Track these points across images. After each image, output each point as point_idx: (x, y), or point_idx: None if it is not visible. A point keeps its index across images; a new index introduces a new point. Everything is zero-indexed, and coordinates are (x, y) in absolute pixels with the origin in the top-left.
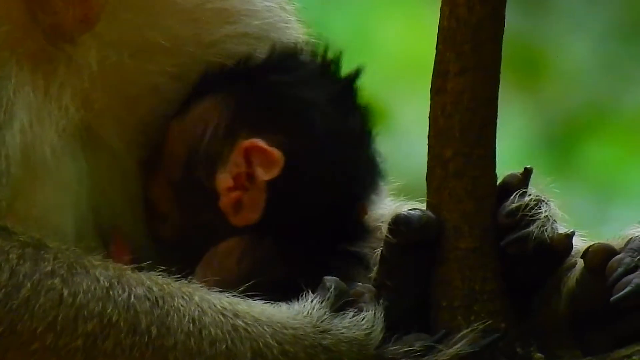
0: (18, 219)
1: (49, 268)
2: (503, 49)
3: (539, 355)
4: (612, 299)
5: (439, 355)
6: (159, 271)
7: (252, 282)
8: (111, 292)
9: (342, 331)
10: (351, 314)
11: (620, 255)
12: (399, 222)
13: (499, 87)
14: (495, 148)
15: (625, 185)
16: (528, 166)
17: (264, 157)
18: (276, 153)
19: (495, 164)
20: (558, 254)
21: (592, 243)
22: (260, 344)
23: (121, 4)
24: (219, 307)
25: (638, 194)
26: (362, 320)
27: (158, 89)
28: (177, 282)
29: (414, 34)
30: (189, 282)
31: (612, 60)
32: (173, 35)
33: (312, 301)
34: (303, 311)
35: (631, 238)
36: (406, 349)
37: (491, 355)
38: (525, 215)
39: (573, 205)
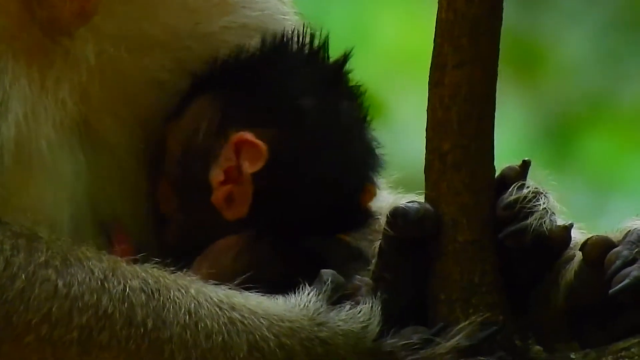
0: (11, 211)
1: (43, 259)
2: (501, 42)
3: (537, 347)
4: (610, 291)
5: (436, 348)
6: (155, 263)
7: (248, 275)
8: (106, 284)
9: (338, 324)
10: (348, 307)
11: (618, 248)
12: (397, 215)
13: (497, 80)
14: (493, 141)
15: (623, 178)
16: (526, 159)
17: (250, 150)
18: (261, 145)
19: (493, 157)
20: (556, 246)
21: (590, 235)
22: (257, 336)
23: None
24: (215, 300)
25: (636, 186)
26: (359, 313)
27: (156, 82)
28: (173, 275)
29: (411, 27)
30: (185, 274)
31: (610, 54)
32: (171, 28)
33: (308, 294)
34: (300, 304)
35: (629, 231)
36: (404, 342)
37: (489, 348)
38: (524, 208)
39: (571, 197)
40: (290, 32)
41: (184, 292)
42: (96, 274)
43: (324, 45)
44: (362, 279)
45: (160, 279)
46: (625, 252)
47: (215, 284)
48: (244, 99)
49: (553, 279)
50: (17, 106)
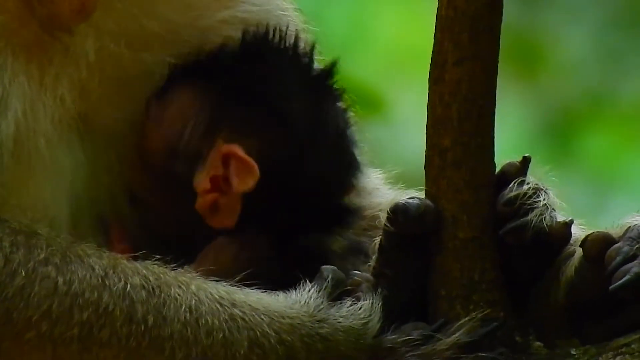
0: (10, 208)
1: (43, 256)
2: (501, 39)
3: (538, 344)
4: (610, 287)
5: (437, 344)
6: (155, 260)
7: (249, 271)
8: (106, 281)
9: (339, 320)
10: (349, 303)
11: (618, 244)
12: (397, 211)
13: (497, 76)
14: (493, 137)
15: (623, 174)
16: (526, 155)
17: (240, 166)
18: (251, 163)
19: (493, 154)
20: (556, 242)
21: (590, 232)
22: (257, 333)
23: None
24: (216, 297)
25: (636, 182)
26: (360, 309)
27: (156, 77)
28: (174, 272)
29: (412, 24)
30: (185, 271)
31: (610, 51)
32: (169, 23)
33: (309, 290)
34: (300, 300)
35: (629, 227)
36: (404, 339)
37: (490, 344)
38: (524, 204)
39: (571, 194)
40: (274, 31)
41: (184, 288)
42: (97, 271)
43: (309, 47)
44: (363, 275)
45: (161, 275)
46: (626, 248)
47: (216, 281)
48: (231, 103)
49: (553, 276)
50: (17, 103)
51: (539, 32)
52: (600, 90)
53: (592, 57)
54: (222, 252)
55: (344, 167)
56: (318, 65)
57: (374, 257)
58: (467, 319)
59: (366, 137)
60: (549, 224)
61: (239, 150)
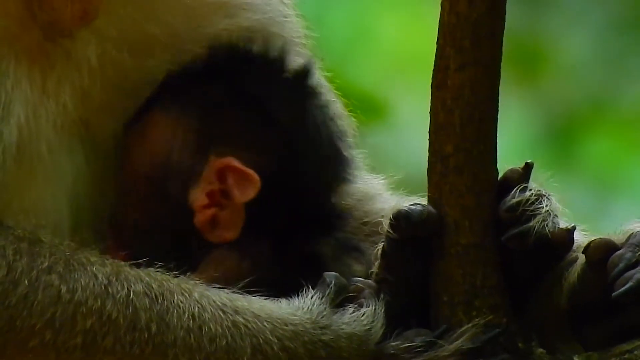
0: (13, 214)
1: (46, 264)
2: (503, 44)
3: (541, 350)
4: (613, 294)
5: (439, 350)
6: (158, 267)
7: (251, 278)
8: (110, 289)
9: (342, 327)
10: (351, 309)
11: (621, 251)
12: (399, 217)
13: (499, 82)
14: (495, 143)
15: (625, 179)
16: (529, 161)
17: (239, 177)
18: (252, 174)
19: (495, 160)
20: (559, 248)
21: (593, 238)
22: (260, 340)
23: None
24: (219, 304)
25: (638, 187)
26: (362, 316)
27: (157, 83)
28: (176, 279)
29: (414, 30)
30: (187, 278)
31: (612, 55)
32: (172, 30)
33: (311, 297)
34: (303, 307)
35: (632, 233)
36: (407, 345)
37: (492, 350)
38: (526, 210)
39: (573, 199)
40: (249, 43)
41: (187, 295)
42: (100, 278)
43: (283, 53)
44: (365, 281)
45: (164, 282)
46: (628, 255)
47: (219, 288)
48: (216, 117)
49: (556, 281)
50: (19, 109)
51: (540, 37)
52: (602, 95)
53: (594, 62)
54: (223, 262)
55: (335, 161)
56: (294, 65)
57: (376, 263)
58: (469, 325)
59: (368, 142)
60: (551, 230)
61: (235, 162)
